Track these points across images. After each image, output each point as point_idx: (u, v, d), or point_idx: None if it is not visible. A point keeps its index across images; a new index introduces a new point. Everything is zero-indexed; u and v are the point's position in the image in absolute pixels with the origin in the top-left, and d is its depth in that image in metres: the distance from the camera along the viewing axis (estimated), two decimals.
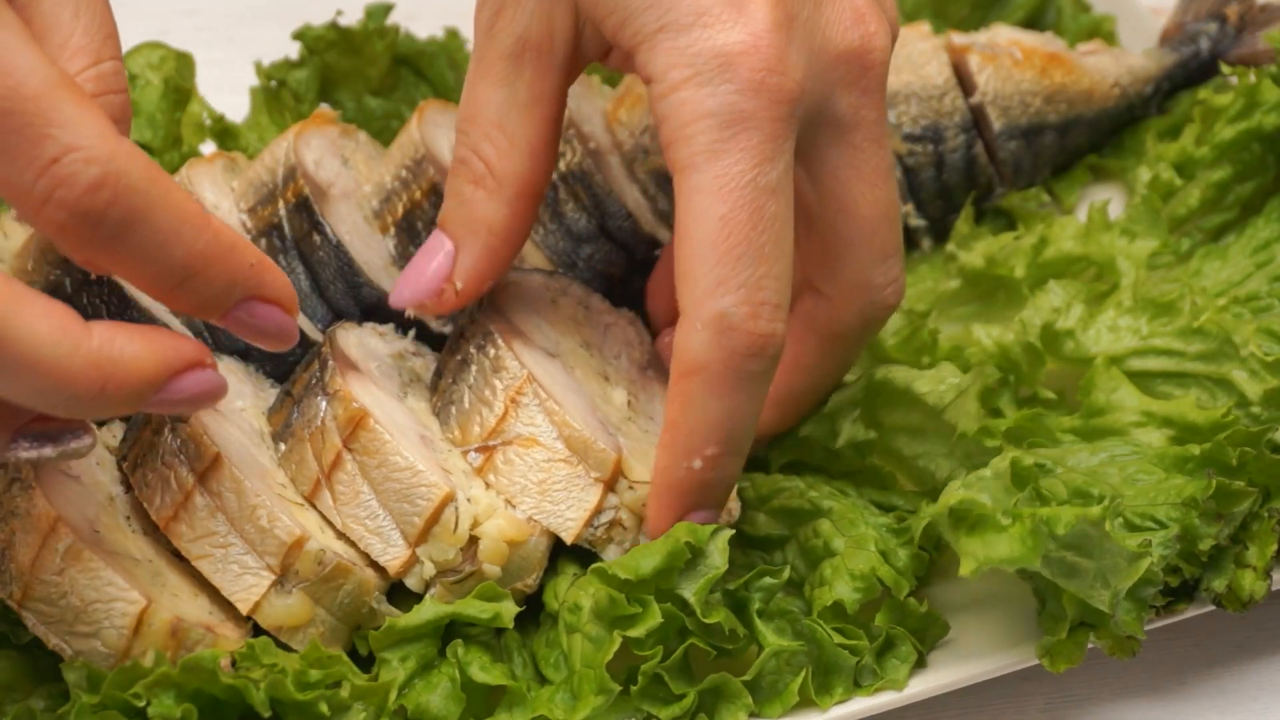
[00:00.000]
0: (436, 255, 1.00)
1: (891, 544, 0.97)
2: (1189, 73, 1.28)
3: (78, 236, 0.81)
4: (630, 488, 0.97)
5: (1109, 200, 1.18)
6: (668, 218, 1.16)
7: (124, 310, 1.03)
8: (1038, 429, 0.97)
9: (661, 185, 1.16)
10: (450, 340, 1.03)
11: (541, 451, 0.96)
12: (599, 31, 0.97)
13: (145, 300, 1.04)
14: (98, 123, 0.80)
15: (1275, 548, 0.95)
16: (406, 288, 1.01)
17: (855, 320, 1.01)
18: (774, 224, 0.92)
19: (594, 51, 1.00)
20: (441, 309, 1.01)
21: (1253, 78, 1.16)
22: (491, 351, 0.99)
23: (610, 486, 0.97)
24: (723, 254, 0.92)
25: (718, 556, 0.94)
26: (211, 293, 0.85)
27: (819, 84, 0.95)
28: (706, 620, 0.92)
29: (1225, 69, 1.25)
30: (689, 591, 0.93)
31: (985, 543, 0.90)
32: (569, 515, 0.97)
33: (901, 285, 1.01)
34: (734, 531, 0.96)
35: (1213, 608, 0.96)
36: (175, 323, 1.04)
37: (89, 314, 1.03)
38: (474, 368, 0.99)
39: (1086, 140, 1.27)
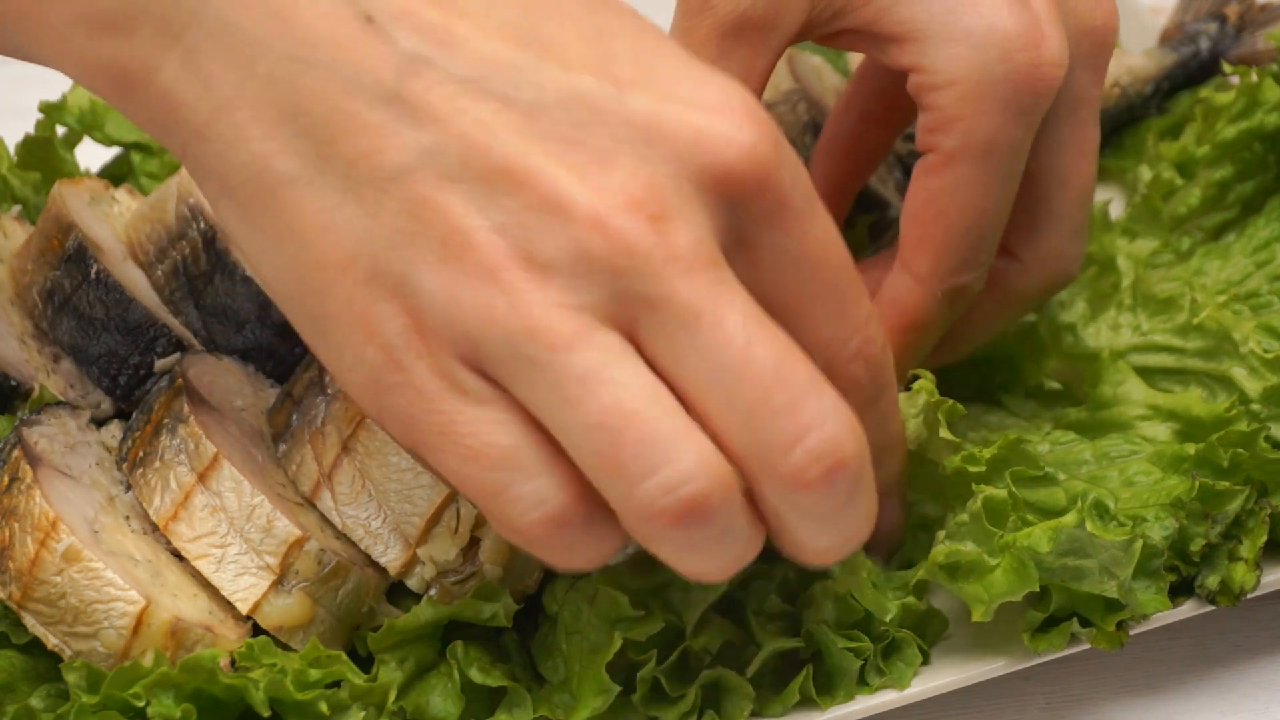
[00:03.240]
0: None
1: (882, 584, 0.97)
2: (1189, 72, 1.28)
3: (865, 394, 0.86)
4: None
5: (1110, 200, 1.18)
6: None
7: (124, 310, 1.03)
8: (1016, 456, 0.97)
9: None
10: None
11: None
12: (839, 13, 0.98)
13: (144, 299, 1.04)
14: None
15: (1265, 539, 0.95)
16: None
17: (1040, 286, 1.05)
18: (1009, 207, 1.00)
19: (814, 32, 1.00)
20: None
21: (1254, 77, 1.16)
22: None
23: None
24: (976, 239, 0.99)
25: None
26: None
27: (1068, 61, 0.99)
28: (695, 644, 0.92)
29: (1227, 68, 1.25)
30: (683, 609, 0.93)
31: (984, 585, 0.91)
32: None
33: (1082, 259, 1.06)
34: None
35: (1212, 607, 0.96)
36: (174, 322, 1.04)
37: (88, 313, 1.03)
38: None
39: None
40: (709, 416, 0.79)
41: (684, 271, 0.78)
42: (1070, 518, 0.90)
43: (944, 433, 0.97)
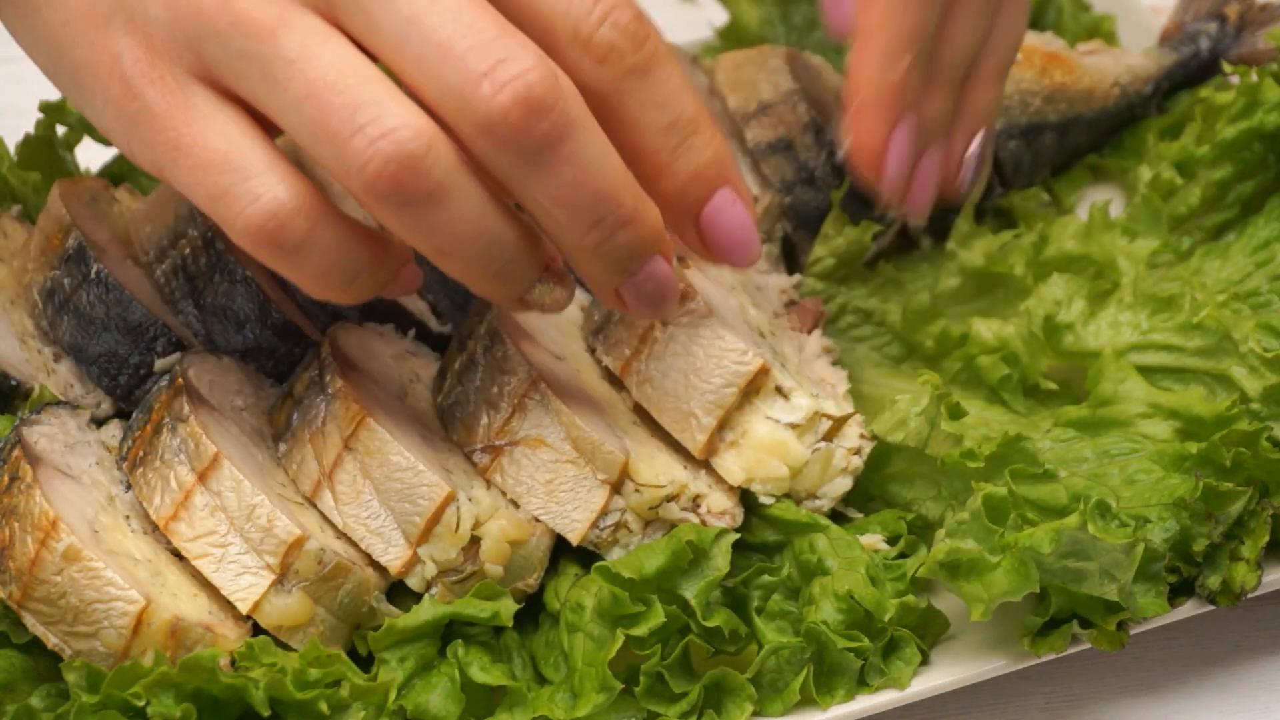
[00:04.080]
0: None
1: (881, 575, 0.97)
2: (1189, 72, 1.28)
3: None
4: (636, 490, 0.97)
5: (1110, 200, 1.18)
6: None
7: (124, 310, 1.03)
8: (1015, 454, 0.97)
9: None
10: (454, 342, 1.03)
11: (549, 452, 0.96)
12: None
13: (144, 299, 1.04)
14: None
15: (1267, 540, 0.95)
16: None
17: None
18: None
19: None
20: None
21: (1254, 77, 1.16)
22: (499, 352, 0.99)
23: (616, 489, 0.97)
24: None
25: (720, 559, 0.94)
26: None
27: None
28: (707, 623, 0.92)
29: (1227, 68, 1.25)
30: (690, 592, 0.93)
31: (984, 584, 0.91)
32: (575, 516, 0.97)
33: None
34: (738, 535, 0.96)
35: (1209, 608, 0.96)
36: (174, 321, 1.04)
37: (88, 313, 1.03)
38: (480, 368, 0.99)
39: (1086, 140, 1.27)
40: (410, 80, 0.83)
41: None
42: (1072, 519, 0.90)
43: (945, 425, 0.97)
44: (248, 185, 0.83)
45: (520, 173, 0.83)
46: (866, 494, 1.03)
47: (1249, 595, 0.95)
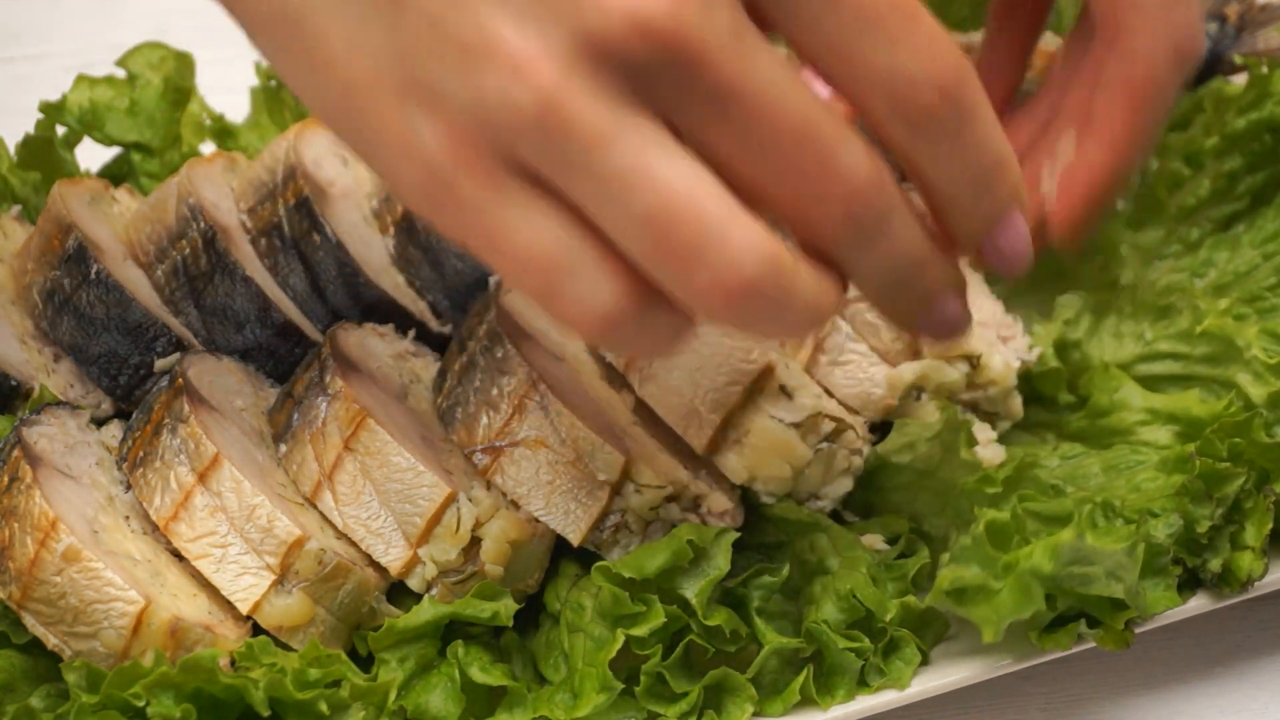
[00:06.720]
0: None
1: (882, 576, 0.97)
2: None
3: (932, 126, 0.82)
4: (637, 491, 0.97)
5: None
6: None
7: (124, 310, 1.03)
8: (1025, 478, 0.97)
9: None
10: (454, 342, 1.03)
11: (549, 453, 0.96)
12: None
13: (144, 299, 1.04)
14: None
15: (1270, 527, 0.95)
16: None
17: (1165, 53, 0.95)
18: None
19: None
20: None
21: (1264, 68, 1.15)
22: (499, 353, 0.99)
23: (617, 489, 0.97)
24: None
25: (721, 558, 0.94)
26: (996, 201, 0.85)
27: None
28: (708, 622, 0.92)
29: (1237, 59, 1.24)
30: (690, 592, 0.93)
31: (992, 607, 0.91)
32: (576, 517, 0.97)
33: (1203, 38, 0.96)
34: (738, 535, 0.96)
35: (1214, 606, 0.96)
36: (174, 322, 1.04)
37: (88, 313, 1.03)
38: (480, 369, 0.99)
39: None
40: (748, 180, 0.79)
41: (718, 49, 0.77)
42: (1068, 533, 0.89)
43: (965, 454, 0.98)
44: (580, 286, 0.80)
45: (850, 255, 0.83)
46: (867, 508, 1.03)
47: (1255, 583, 0.95)
